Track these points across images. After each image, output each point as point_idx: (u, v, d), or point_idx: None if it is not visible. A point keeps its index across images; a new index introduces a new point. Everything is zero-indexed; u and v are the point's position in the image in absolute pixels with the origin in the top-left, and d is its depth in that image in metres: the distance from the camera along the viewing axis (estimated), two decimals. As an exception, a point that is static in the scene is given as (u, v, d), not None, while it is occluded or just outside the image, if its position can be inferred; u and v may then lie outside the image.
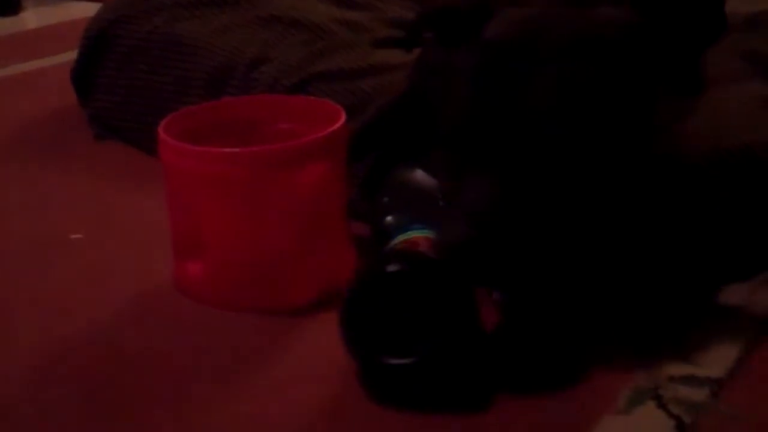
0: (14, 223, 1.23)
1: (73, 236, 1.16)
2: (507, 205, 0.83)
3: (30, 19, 2.54)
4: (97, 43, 1.50)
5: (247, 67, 1.35)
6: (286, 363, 0.91)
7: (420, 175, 1.02)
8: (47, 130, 1.57)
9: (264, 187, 0.96)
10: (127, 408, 0.85)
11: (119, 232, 1.18)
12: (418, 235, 0.93)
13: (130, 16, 1.49)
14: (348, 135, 1.02)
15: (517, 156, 0.83)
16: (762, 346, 0.92)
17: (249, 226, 0.97)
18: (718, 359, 0.90)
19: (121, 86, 1.47)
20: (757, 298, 0.99)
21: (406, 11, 1.59)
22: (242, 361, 0.92)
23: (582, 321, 0.93)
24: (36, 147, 1.50)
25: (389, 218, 0.98)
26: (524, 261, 0.84)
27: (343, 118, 1.01)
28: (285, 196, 0.96)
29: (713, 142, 0.97)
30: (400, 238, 0.93)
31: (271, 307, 0.97)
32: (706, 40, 0.90)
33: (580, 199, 0.86)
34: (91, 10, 1.66)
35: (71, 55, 1.57)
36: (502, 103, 0.84)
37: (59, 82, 1.61)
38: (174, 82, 1.41)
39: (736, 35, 1.04)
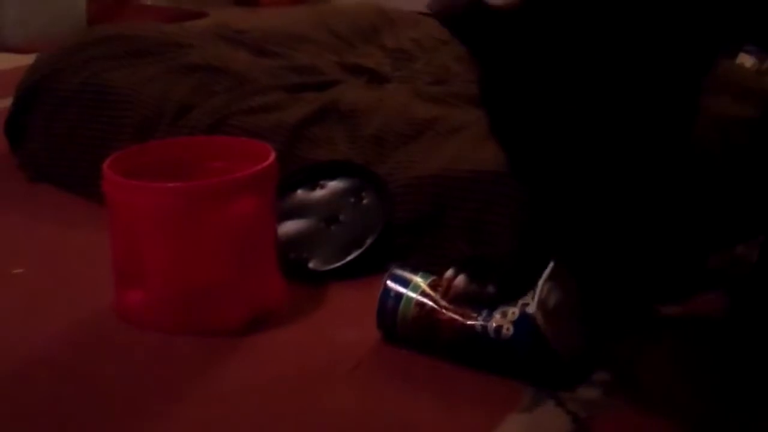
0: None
1: (15, 271, 1.22)
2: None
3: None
4: (32, 94, 1.57)
5: (175, 113, 1.45)
6: (225, 378, 1.00)
7: None
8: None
9: (198, 220, 1.05)
10: (76, 427, 0.92)
11: (60, 266, 1.25)
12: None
13: (62, 69, 1.57)
14: (277, 172, 1.12)
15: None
16: (648, 350, 1.05)
17: (185, 255, 1.05)
18: (611, 362, 1.02)
19: (54, 134, 1.54)
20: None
21: (314, 58, 1.72)
22: (184, 378, 0.99)
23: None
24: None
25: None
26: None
27: (272, 156, 1.11)
28: (218, 227, 1.05)
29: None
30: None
31: (208, 329, 1.06)
32: None
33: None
34: (18, 60, 1.72)
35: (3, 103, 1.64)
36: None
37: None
38: (104, 129, 1.49)
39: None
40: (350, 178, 1.28)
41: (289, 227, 1.23)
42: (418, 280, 1.04)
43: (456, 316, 1.00)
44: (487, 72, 0.96)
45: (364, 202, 1.25)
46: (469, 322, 0.99)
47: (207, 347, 1.04)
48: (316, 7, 2.76)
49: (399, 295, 1.03)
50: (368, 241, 1.20)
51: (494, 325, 0.98)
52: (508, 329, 0.97)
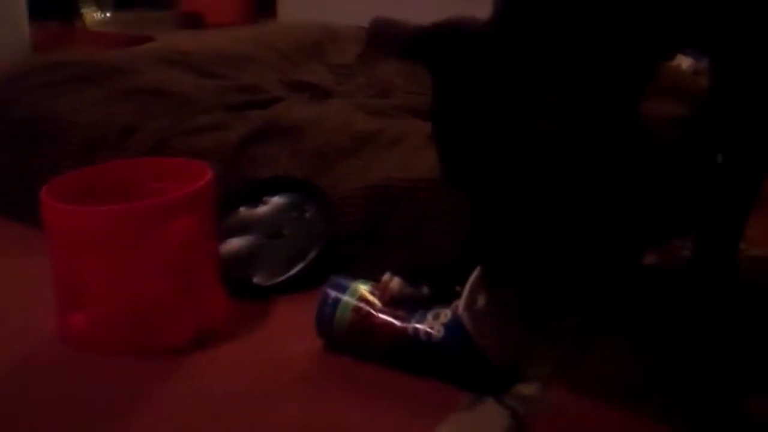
0: None
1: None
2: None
3: None
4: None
5: (117, 137, 1.46)
6: (170, 396, 1.00)
7: None
8: None
9: (136, 241, 1.06)
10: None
11: (1, 293, 1.25)
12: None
13: (5, 98, 1.58)
14: (214, 191, 1.14)
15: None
16: (583, 349, 1.08)
17: (125, 276, 1.06)
18: (547, 359, 1.05)
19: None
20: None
21: (258, 77, 1.74)
22: (128, 398, 1.00)
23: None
24: None
25: None
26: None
27: (209, 176, 1.12)
28: (156, 247, 1.06)
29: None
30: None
31: (152, 349, 1.07)
32: None
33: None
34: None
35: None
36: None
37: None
38: (48, 155, 1.49)
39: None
40: (292, 193, 1.29)
41: (232, 244, 1.25)
42: (356, 285, 1.06)
43: (390, 319, 1.02)
44: (444, 91, 0.98)
45: (307, 215, 1.27)
46: (401, 325, 1.01)
47: (151, 367, 1.05)
48: (261, 26, 2.79)
49: (336, 300, 1.05)
50: (311, 255, 1.22)
51: (425, 328, 1.00)
52: (438, 331, 0.99)
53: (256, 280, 1.21)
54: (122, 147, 1.44)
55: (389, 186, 1.26)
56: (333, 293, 1.06)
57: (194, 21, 3.31)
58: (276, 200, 1.30)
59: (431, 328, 1.00)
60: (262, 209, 1.29)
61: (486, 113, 0.90)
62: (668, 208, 1.29)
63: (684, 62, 1.82)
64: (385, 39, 2.01)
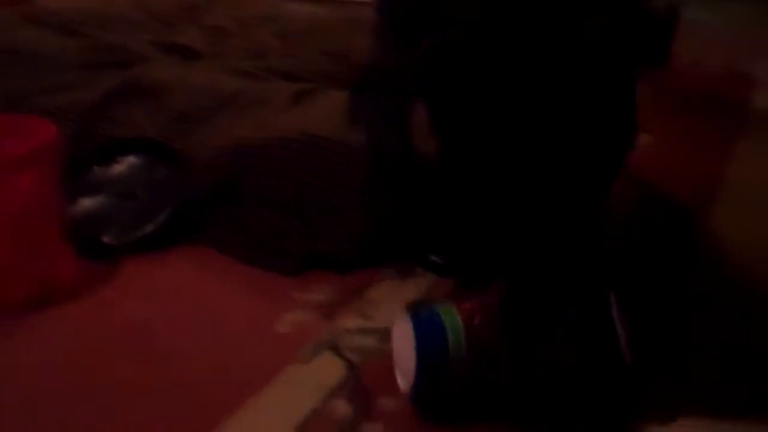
0: None
1: None
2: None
3: None
4: None
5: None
6: (8, 356, 0.99)
7: None
8: None
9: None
10: None
11: None
12: None
13: None
14: (59, 149, 1.12)
15: None
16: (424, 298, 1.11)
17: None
18: (387, 313, 1.08)
19: None
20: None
21: (126, 37, 1.72)
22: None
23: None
24: None
25: None
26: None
27: (53, 134, 1.11)
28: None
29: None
30: None
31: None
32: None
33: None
34: None
35: None
36: None
37: None
38: None
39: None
40: (147, 154, 1.28)
41: (84, 204, 1.23)
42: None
43: None
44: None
45: (161, 176, 1.26)
46: None
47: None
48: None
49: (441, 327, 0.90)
50: (163, 216, 1.21)
51: None
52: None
53: (105, 239, 1.20)
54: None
55: (247, 146, 1.27)
56: (429, 328, 0.90)
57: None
58: (130, 160, 1.28)
59: None
60: (115, 169, 1.28)
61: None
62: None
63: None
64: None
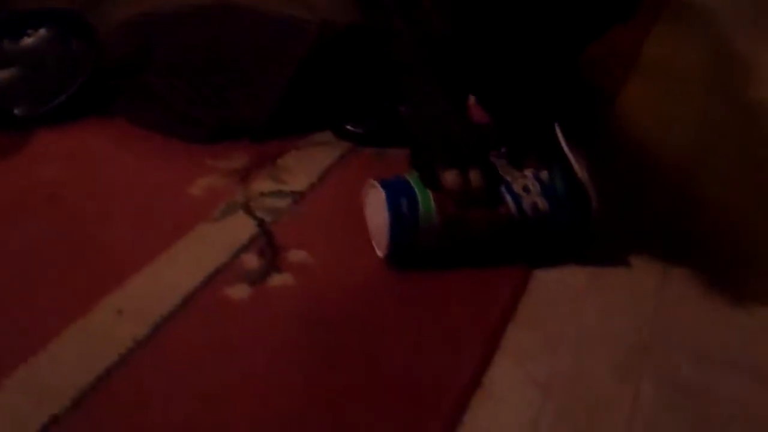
0: None
1: None
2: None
3: None
4: None
5: None
6: None
7: None
8: None
9: None
10: None
11: None
12: None
13: None
14: None
15: None
16: (338, 165, 1.13)
17: None
18: (303, 178, 1.09)
19: None
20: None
21: None
22: None
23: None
24: None
25: None
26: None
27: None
28: None
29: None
30: None
31: None
32: None
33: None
34: None
35: None
36: None
37: None
38: None
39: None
40: (57, 26, 1.26)
41: (-7, 77, 1.21)
42: (411, 178, 0.95)
43: (480, 208, 0.93)
44: None
45: (72, 47, 1.24)
46: (496, 210, 0.93)
47: None
48: None
49: (412, 199, 0.92)
50: (74, 87, 1.20)
51: (526, 203, 0.93)
52: (543, 204, 0.93)
53: (17, 111, 1.18)
54: None
55: (157, 14, 1.25)
56: (400, 196, 0.92)
57: None
58: (41, 32, 1.25)
59: (532, 202, 0.93)
60: (25, 41, 1.25)
61: None
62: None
63: None
64: None
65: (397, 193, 0.92)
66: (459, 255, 0.94)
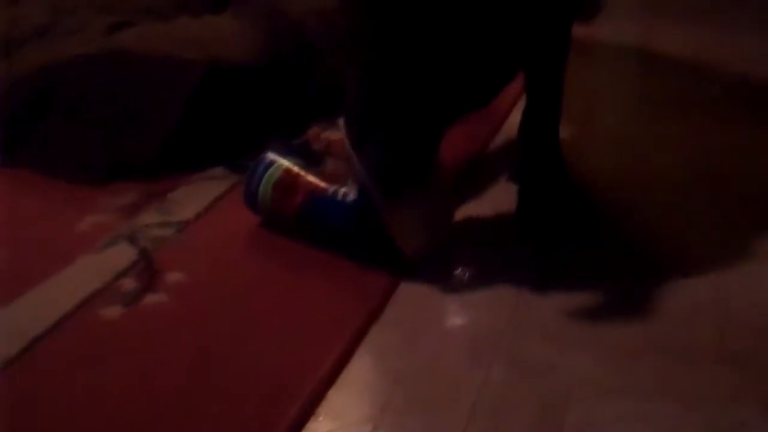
0: None
1: None
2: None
3: None
4: None
5: None
6: None
7: None
8: None
9: None
10: None
11: None
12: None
13: None
14: None
15: None
16: (227, 196, 1.16)
17: None
18: (190, 209, 1.13)
19: None
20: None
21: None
22: None
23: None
24: None
25: None
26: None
27: None
28: None
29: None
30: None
31: None
32: None
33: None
34: None
35: None
36: None
37: None
38: None
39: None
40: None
41: None
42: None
43: (317, 180, 1.03)
44: None
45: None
46: (325, 186, 1.02)
47: None
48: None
49: (272, 162, 1.06)
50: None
51: (344, 189, 1.01)
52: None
53: None
54: None
55: (54, 65, 1.29)
56: (272, 156, 1.07)
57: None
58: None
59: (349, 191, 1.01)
60: None
61: None
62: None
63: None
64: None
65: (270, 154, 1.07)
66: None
